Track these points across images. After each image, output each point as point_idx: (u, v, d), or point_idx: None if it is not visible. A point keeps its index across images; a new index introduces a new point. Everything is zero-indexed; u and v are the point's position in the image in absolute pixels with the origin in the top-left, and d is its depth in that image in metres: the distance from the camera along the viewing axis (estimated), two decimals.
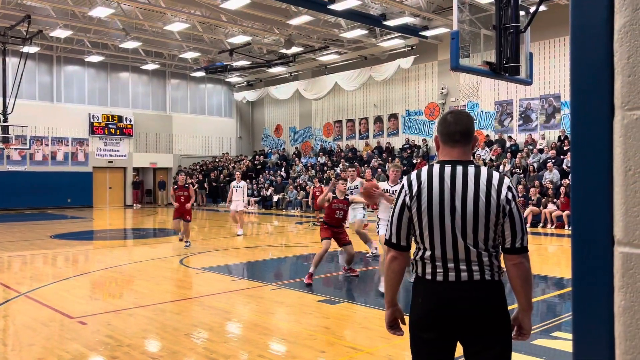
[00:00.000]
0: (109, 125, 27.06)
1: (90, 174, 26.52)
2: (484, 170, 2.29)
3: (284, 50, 23.74)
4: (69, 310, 6.29)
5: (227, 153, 31.34)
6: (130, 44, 23.56)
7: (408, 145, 23.60)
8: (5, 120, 22.08)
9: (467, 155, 2.33)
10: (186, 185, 11.89)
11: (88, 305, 6.62)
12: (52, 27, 21.49)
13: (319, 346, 4.93)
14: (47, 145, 25.34)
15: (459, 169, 2.28)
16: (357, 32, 21.29)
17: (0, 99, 21.90)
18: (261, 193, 25.18)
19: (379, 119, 25.71)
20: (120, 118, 27.42)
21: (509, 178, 1.87)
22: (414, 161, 22.29)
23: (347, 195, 8.25)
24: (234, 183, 14.57)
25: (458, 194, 2.24)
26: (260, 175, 26.89)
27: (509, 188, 2.25)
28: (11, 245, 12.58)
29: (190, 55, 25.92)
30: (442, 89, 22.80)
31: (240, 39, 22.98)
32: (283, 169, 26.45)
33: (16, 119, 22.39)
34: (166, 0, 18.42)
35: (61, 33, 21.79)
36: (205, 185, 27.33)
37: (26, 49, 21.86)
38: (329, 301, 6.71)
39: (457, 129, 2.31)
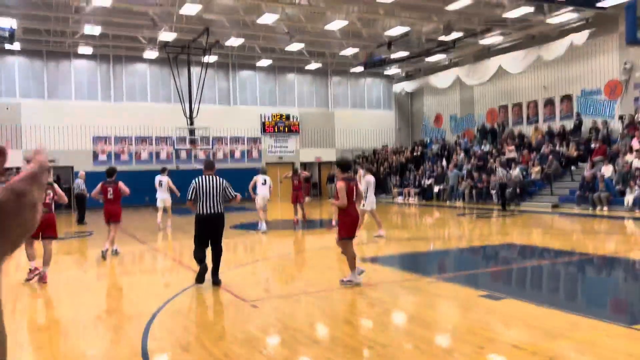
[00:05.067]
0: (278, 124, 28.90)
1: None
2: (218, 178, 7.48)
3: (443, 37, 23.10)
4: (244, 294, 6.90)
5: (386, 145, 31.49)
6: (294, 46, 24.87)
7: (578, 120, 21.41)
8: (192, 123, 24.91)
9: (213, 172, 7.56)
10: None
11: (260, 290, 7.22)
12: (227, 37, 23.60)
13: (478, 341, 4.77)
14: (227, 144, 27.86)
15: (211, 177, 7.45)
16: (523, 10, 19.81)
17: (187, 105, 24.72)
18: (421, 184, 25.00)
19: (549, 102, 23.71)
20: (287, 117, 29.13)
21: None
22: (592, 146, 20.16)
23: None
24: None
25: (212, 185, 7.39)
26: (421, 166, 26.64)
27: (226, 183, 7.57)
28: None
29: (350, 51, 26.46)
30: (625, 63, 20.22)
31: (398, 30, 22.86)
32: (444, 159, 25.87)
33: (200, 122, 25.05)
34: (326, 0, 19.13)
35: (235, 41, 23.82)
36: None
37: (206, 58, 24.31)
38: (492, 296, 6.43)
39: (209, 165, 7.65)
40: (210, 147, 26.77)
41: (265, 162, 28.68)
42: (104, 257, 9.95)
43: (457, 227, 14.62)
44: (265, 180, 14.95)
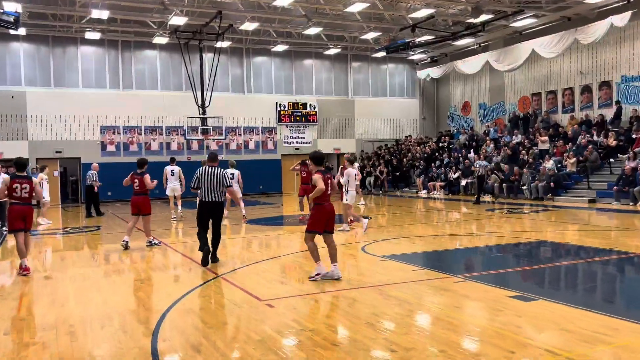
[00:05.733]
0: (295, 113, 29.02)
1: (278, 162, 28.77)
2: (219, 169, 9.06)
3: (471, 20, 22.82)
4: (258, 293, 6.95)
5: (410, 135, 31.47)
6: (312, 30, 24.83)
7: (617, 108, 20.98)
8: (204, 112, 24.95)
9: (216, 163, 9.10)
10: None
11: (276, 289, 7.23)
12: (241, 21, 23.62)
13: (507, 346, 4.72)
14: (240, 134, 28.10)
15: (214, 168, 9.01)
16: None
17: (199, 93, 24.70)
18: (447, 177, 24.87)
19: (586, 89, 23.33)
20: (304, 105, 29.21)
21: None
22: (633, 136, 19.78)
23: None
24: None
25: (214, 175, 8.96)
26: (445, 156, 26.50)
27: (225, 173, 9.12)
28: None
29: (371, 35, 26.34)
30: None
31: (422, 13, 22.68)
32: (472, 150, 25.66)
33: (212, 111, 25.17)
34: None
35: (249, 26, 23.86)
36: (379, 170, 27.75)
37: (219, 44, 24.33)
38: (523, 297, 6.35)
39: (213, 157, 9.16)
40: (223, 137, 26.91)
41: (282, 153, 28.82)
42: (151, 244, 11.27)
43: (486, 223, 14.52)
44: (232, 175, 15.40)
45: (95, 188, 18.49)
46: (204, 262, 8.90)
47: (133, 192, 11.15)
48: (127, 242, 11.00)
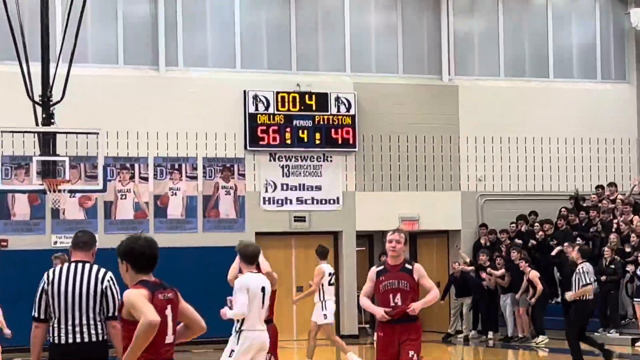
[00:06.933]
0: (295, 121, 29.30)
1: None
2: (96, 268, 10.43)
3: None
4: None
5: (613, 184, 31.22)
6: None
7: None
8: (49, 118, 24.60)
9: (91, 255, 10.63)
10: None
11: None
12: None
13: None
14: (147, 180, 27.56)
15: (82, 266, 10.42)
16: None
17: (36, 67, 24.95)
18: None
19: None
20: (323, 100, 29.48)
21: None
22: None
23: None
24: None
25: (81, 282, 10.28)
26: None
27: (107, 277, 10.21)
28: None
29: None
30: None
31: None
32: None
33: (73, 113, 25.61)
34: None
35: None
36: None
37: None
38: None
39: (82, 242, 10.69)
40: (101, 187, 25.90)
41: (257, 230, 29.11)
42: None
43: None
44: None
45: None
46: None
47: None
48: None
